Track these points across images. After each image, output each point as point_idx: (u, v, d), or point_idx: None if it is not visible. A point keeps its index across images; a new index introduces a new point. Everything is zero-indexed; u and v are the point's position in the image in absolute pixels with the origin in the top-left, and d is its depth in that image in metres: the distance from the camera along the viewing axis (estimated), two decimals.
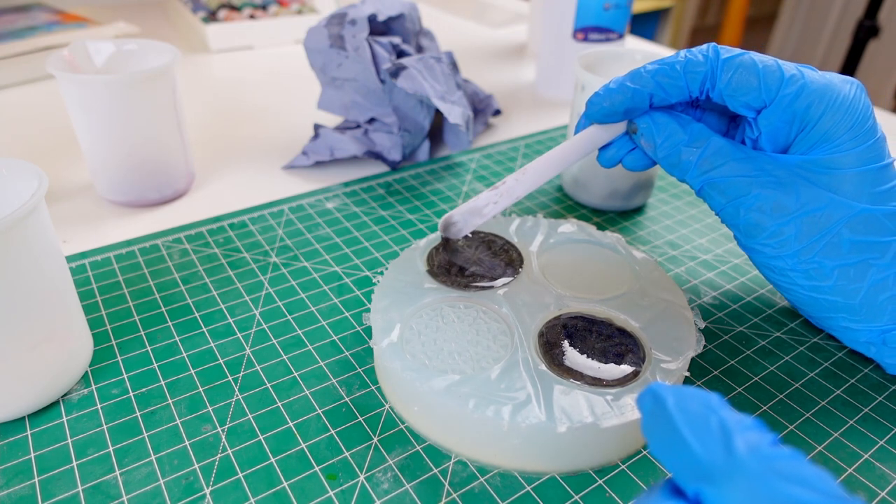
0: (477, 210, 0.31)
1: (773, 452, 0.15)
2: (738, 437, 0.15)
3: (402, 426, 0.29)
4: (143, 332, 0.34)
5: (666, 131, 0.30)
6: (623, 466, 0.28)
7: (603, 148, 0.33)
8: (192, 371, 0.32)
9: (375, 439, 0.29)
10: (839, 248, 0.28)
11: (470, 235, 0.37)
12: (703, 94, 0.29)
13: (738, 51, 0.29)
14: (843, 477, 0.27)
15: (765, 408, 0.31)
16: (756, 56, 0.28)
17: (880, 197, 0.28)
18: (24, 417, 0.29)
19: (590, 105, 0.30)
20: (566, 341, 0.30)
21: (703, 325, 0.32)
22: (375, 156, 0.49)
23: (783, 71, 0.28)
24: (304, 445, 0.28)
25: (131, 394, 0.30)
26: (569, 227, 0.38)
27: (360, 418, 0.29)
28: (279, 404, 0.30)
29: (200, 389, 0.31)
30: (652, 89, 0.29)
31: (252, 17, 0.78)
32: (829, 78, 0.28)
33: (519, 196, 0.31)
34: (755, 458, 0.15)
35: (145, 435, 0.28)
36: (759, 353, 0.34)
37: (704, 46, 0.29)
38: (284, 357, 0.33)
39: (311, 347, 0.33)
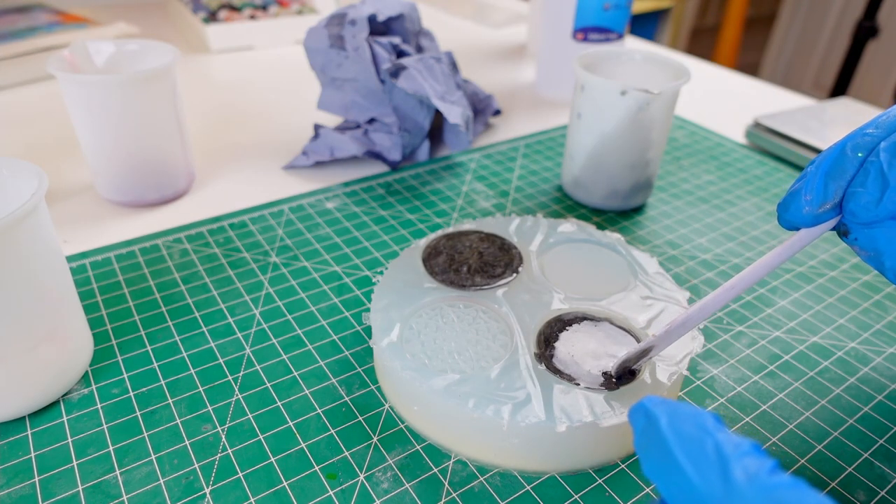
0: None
1: (772, 481, 0.14)
2: (736, 465, 0.15)
3: (401, 426, 0.29)
4: (143, 332, 0.34)
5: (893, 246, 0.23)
6: (623, 466, 0.28)
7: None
8: (192, 371, 0.32)
9: (375, 439, 0.29)
10: None
11: (481, 238, 0.37)
12: None
13: None
14: (842, 476, 0.27)
15: (764, 407, 0.31)
16: None
17: None
18: (24, 417, 0.29)
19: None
20: (565, 341, 0.30)
21: (703, 324, 0.32)
22: (375, 156, 0.50)
23: None
24: (303, 445, 0.28)
25: (131, 393, 0.30)
26: (568, 226, 0.38)
27: (360, 418, 0.30)
28: (279, 404, 0.30)
29: (200, 389, 0.31)
30: None
31: (252, 17, 0.78)
32: None
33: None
34: (754, 488, 0.14)
35: (145, 434, 0.28)
36: (760, 353, 0.34)
37: None
38: (284, 357, 0.33)
39: (311, 347, 0.33)
